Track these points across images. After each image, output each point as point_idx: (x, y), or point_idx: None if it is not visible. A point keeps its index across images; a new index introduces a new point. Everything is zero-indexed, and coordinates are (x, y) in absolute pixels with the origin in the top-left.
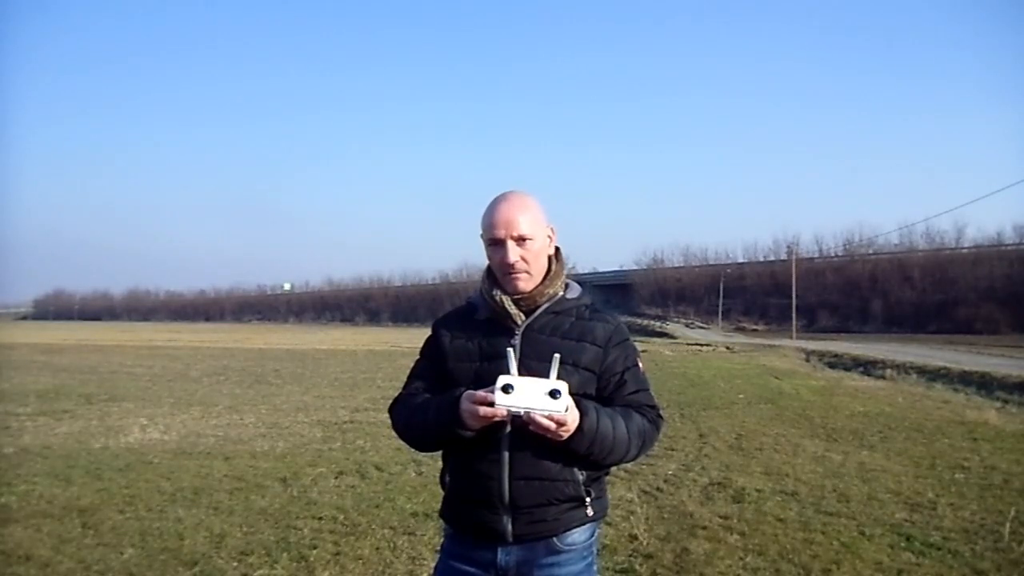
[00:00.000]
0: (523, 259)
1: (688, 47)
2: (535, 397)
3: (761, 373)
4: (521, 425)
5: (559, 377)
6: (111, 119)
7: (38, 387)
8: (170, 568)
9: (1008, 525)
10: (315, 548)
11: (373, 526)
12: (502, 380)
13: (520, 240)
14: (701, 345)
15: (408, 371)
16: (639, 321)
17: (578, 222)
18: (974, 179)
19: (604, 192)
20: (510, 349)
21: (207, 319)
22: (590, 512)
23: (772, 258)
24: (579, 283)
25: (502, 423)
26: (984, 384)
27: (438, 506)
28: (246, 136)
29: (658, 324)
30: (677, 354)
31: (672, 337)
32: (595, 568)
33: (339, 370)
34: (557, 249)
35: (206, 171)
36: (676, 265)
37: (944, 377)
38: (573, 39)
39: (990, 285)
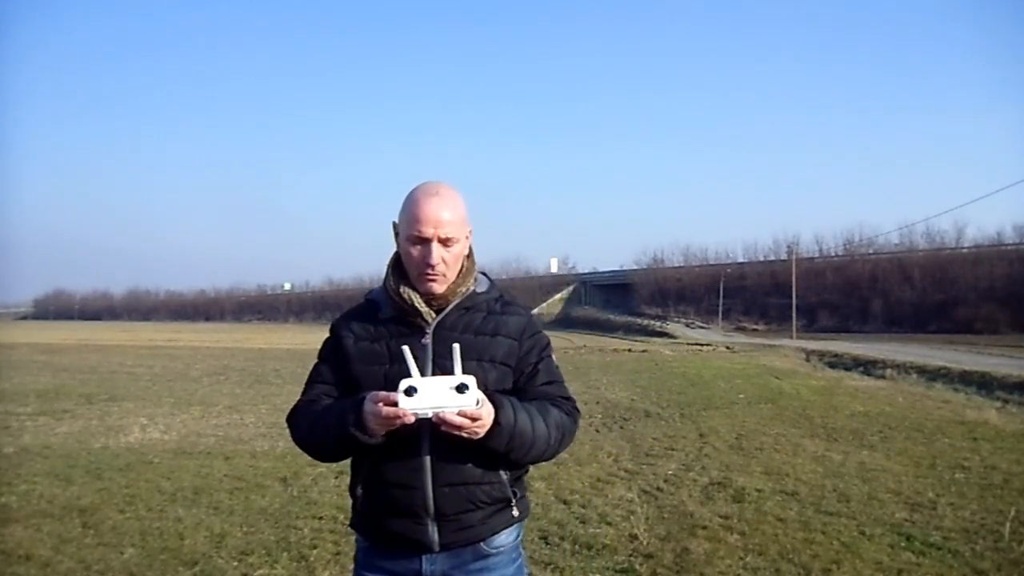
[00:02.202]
0: (444, 261)
1: (689, 46)
2: (442, 395)
3: (761, 373)
4: (435, 428)
5: (466, 371)
6: (111, 119)
7: (38, 387)
8: (170, 568)
9: (1008, 525)
10: (315, 548)
11: None
12: (404, 383)
13: (445, 241)
14: (701, 345)
15: (307, 378)
16: (639, 321)
17: (578, 222)
18: (974, 179)
19: (604, 192)
20: (405, 348)
21: (207, 319)
22: (516, 513)
23: (772, 258)
24: (486, 275)
25: (415, 427)
26: (984, 384)
27: None
28: (246, 136)
29: (658, 324)
30: (677, 354)
31: (672, 337)
32: (525, 569)
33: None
34: (469, 249)
35: (206, 171)
36: (676, 265)
37: (944, 377)
38: (574, 38)
39: (990, 285)
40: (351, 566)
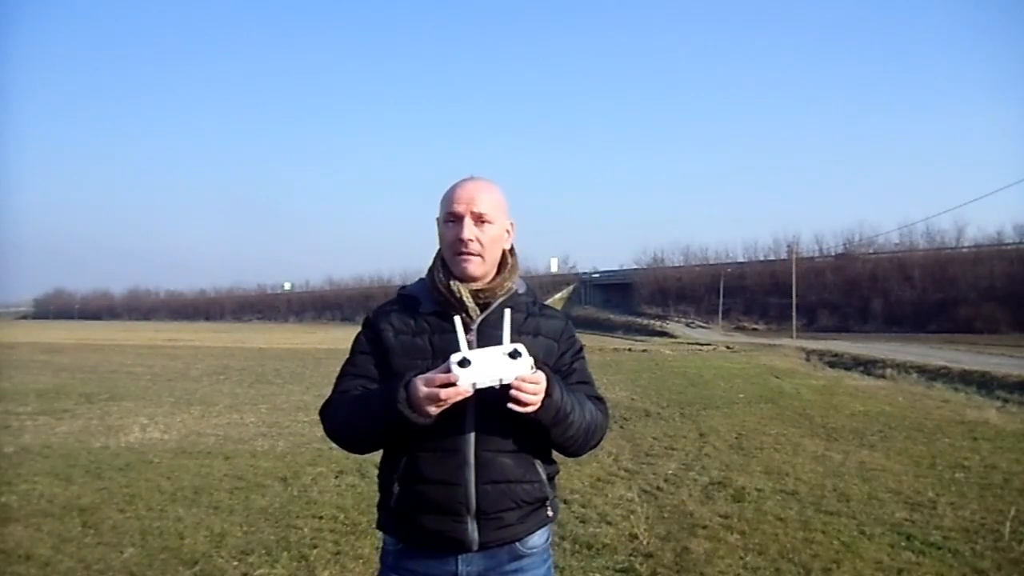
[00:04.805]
0: (478, 240)
1: (689, 46)
2: (496, 364)
3: (761, 372)
4: (494, 397)
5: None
6: (111, 118)
7: (38, 386)
8: (170, 567)
9: (1008, 524)
10: (315, 547)
11: (373, 525)
12: (456, 356)
13: (479, 219)
14: (701, 344)
15: (340, 371)
16: (639, 321)
17: (578, 222)
18: (974, 178)
19: (604, 192)
20: (456, 319)
21: (207, 318)
22: (550, 513)
23: (772, 257)
24: (522, 279)
25: (461, 413)
26: (984, 383)
27: None
28: (246, 135)
29: (658, 324)
30: (677, 353)
31: (672, 336)
32: (553, 570)
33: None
34: (511, 246)
35: (206, 170)
36: (676, 265)
37: (944, 376)
38: (574, 38)
39: (990, 284)
40: (351, 566)
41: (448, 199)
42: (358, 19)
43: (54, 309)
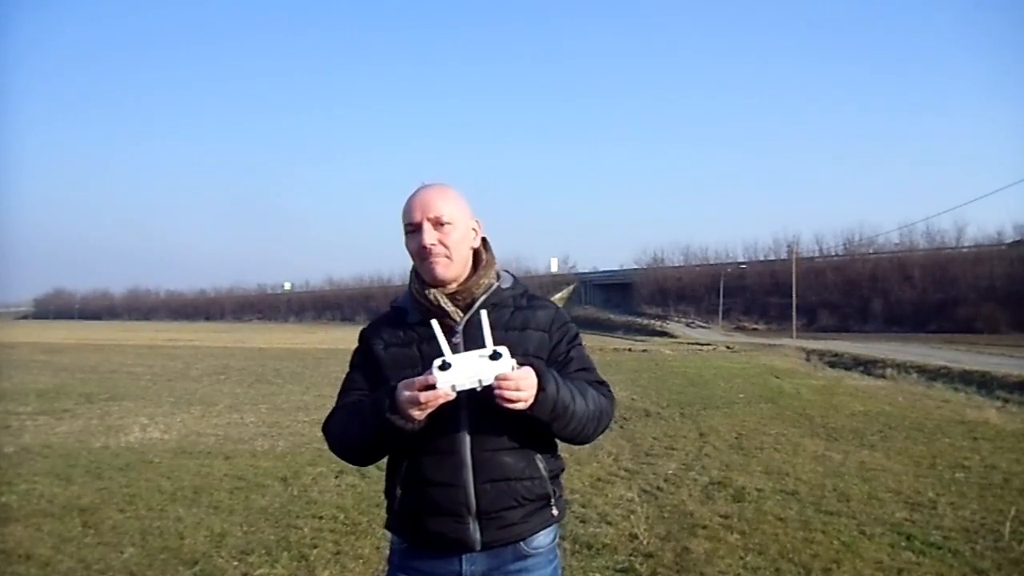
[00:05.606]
0: (441, 243)
1: (688, 45)
2: (477, 366)
3: (761, 372)
4: (480, 398)
5: (496, 342)
6: (111, 118)
7: (38, 386)
8: (170, 567)
9: (1008, 524)
10: (315, 547)
11: (373, 525)
12: (438, 360)
13: (437, 223)
14: (701, 344)
15: (340, 388)
16: (639, 320)
17: (578, 222)
18: (974, 178)
19: (604, 192)
20: (434, 322)
21: (207, 318)
22: (555, 512)
23: (772, 257)
24: (509, 272)
25: (455, 414)
26: (984, 383)
27: None
28: (246, 135)
29: (658, 324)
30: (677, 353)
31: (672, 336)
32: (560, 571)
33: (339, 369)
34: (484, 240)
35: (206, 170)
36: (676, 265)
37: (944, 376)
38: (574, 38)
39: (990, 284)
40: (351, 566)
41: (405, 211)
42: (358, 19)
43: (54, 309)
